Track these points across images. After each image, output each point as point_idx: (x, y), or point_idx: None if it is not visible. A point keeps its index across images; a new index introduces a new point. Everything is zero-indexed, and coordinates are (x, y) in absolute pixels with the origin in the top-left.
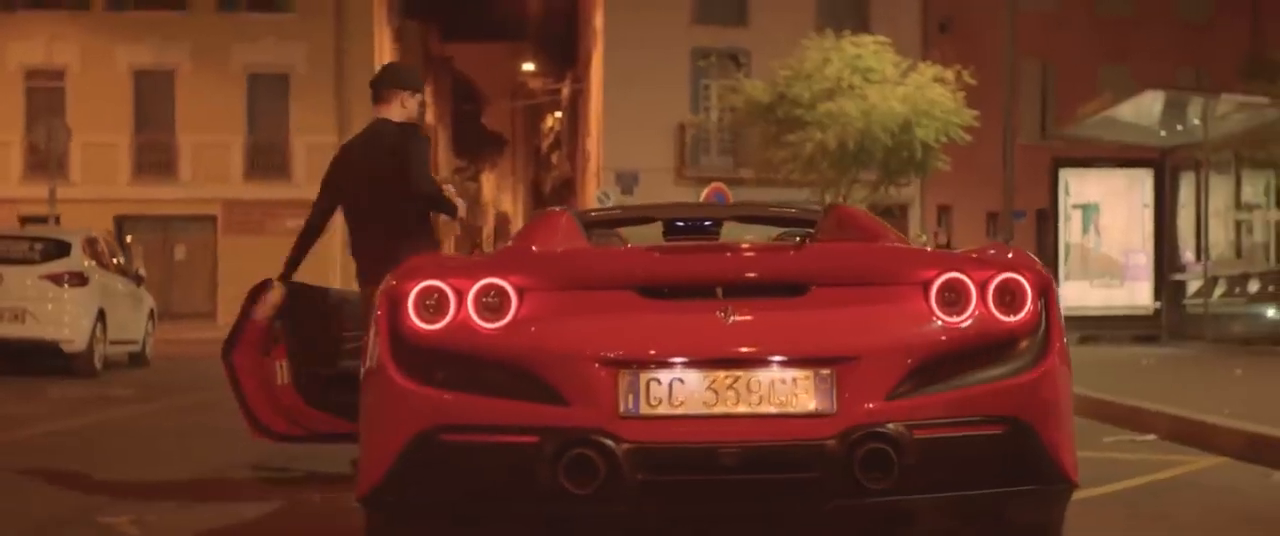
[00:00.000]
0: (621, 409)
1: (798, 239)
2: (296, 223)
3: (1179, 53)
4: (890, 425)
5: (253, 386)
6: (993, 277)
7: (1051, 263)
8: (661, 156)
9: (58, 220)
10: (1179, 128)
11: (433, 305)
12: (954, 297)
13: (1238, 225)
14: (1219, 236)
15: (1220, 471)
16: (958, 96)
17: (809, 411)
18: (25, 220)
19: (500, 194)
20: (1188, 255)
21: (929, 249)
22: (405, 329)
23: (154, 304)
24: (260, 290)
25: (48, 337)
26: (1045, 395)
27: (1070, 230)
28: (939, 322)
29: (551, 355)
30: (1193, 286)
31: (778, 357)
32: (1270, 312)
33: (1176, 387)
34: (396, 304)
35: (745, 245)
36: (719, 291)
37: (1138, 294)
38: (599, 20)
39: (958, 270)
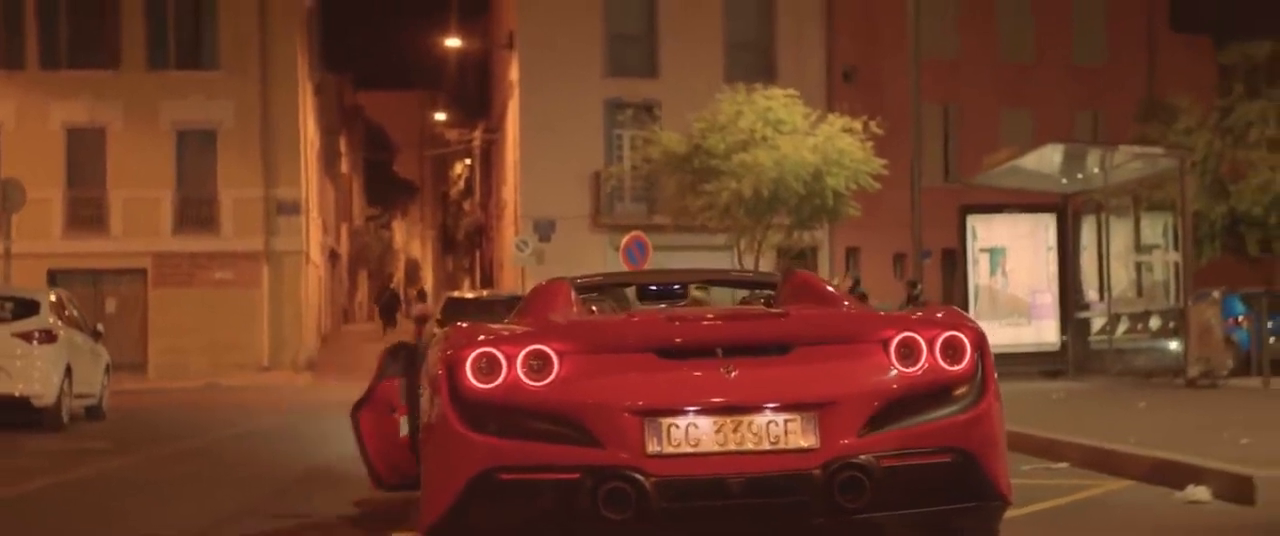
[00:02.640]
0: (648, 449)
1: (762, 301)
2: (224, 274)
3: (1077, 96)
4: (862, 456)
5: (375, 443)
6: (939, 335)
7: (962, 303)
8: (577, 204)
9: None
10: (1079, 175)
11: (486, 367)
12: (909, 352)
13: (1138, 266)
14: (1120, 276)
15: (1128, 492)
16: (866, 146)
17: (798, 447)
18: None
19: (411, 240)
20: (1092, 294)
21: (842, 291)
22: (464, 387)
23: (109, 358)
24: (397, 351)
25: (19, 393)
26: (984, 429)
27: (979, 272)
28: (897, 372)
29: (589, 407)
30: (1097, 323)
31: (771, 404)
32: (1170, 347)
33: (1085, 419)
34: (455, 367)
35: (737, 313)
36: (720, 351)
37: (1044, 331)
38: (514, 72)
39: (911, 330)
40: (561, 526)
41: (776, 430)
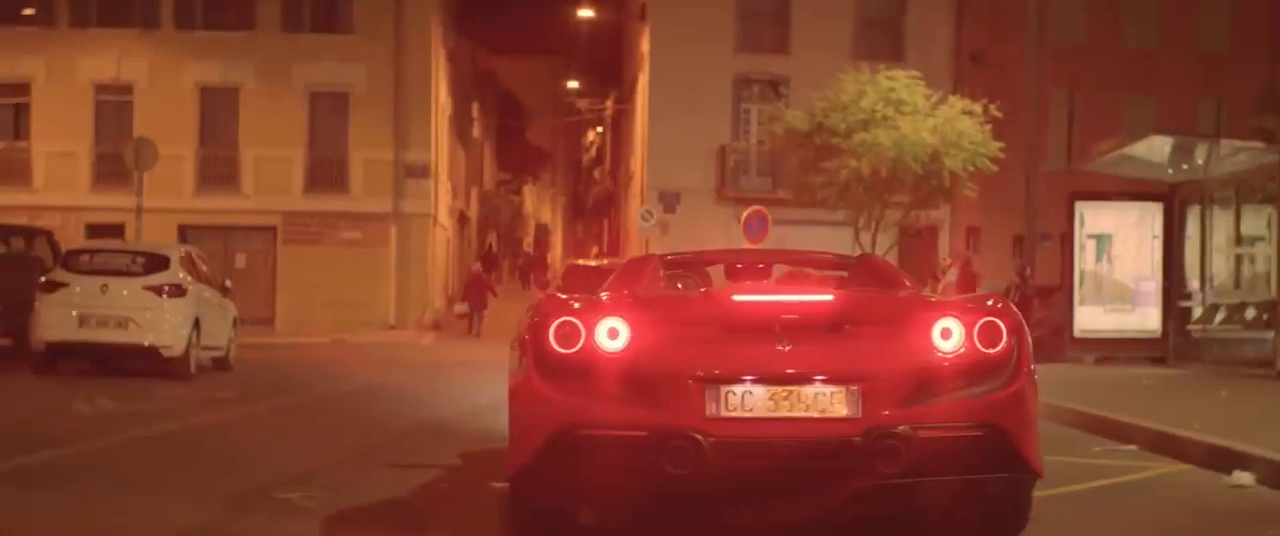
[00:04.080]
0: (708, 412)
1: (834, 282)
2: (353, 234)
3: (1200, 84)
4: (900, 427)
5: None
6: (977, 319)
7: (1068, 288)
8: (703, 177)
9: (125, 230)
10: (1186, 166)
11: (567, 335)
12: (949, 334)
13: (1238, 257)
14: (1220, 267)
15: (1182, 475)
16: (985, 129)
17: (842, 416)
18: (93, 228)
19: (541, 206)
20: (1193, 283)
21: (947, 272)
22: (547, 352)
23: (237, 313)
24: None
25: (149, 343)
26: (1015, 407)
27: (1085, 258)
28: (937, 353)
29: (656, 373)
30: (1196, 313)
31: (819, 376)
32: (1265, 339)
33: (1163, 406)
34: (540, 333)
35: (796, 293)
36: (777, 327)
37: (1148, 319)
38: (645, 45)
39: (952, 314)
40: (629, 478)
41: (823, 400)
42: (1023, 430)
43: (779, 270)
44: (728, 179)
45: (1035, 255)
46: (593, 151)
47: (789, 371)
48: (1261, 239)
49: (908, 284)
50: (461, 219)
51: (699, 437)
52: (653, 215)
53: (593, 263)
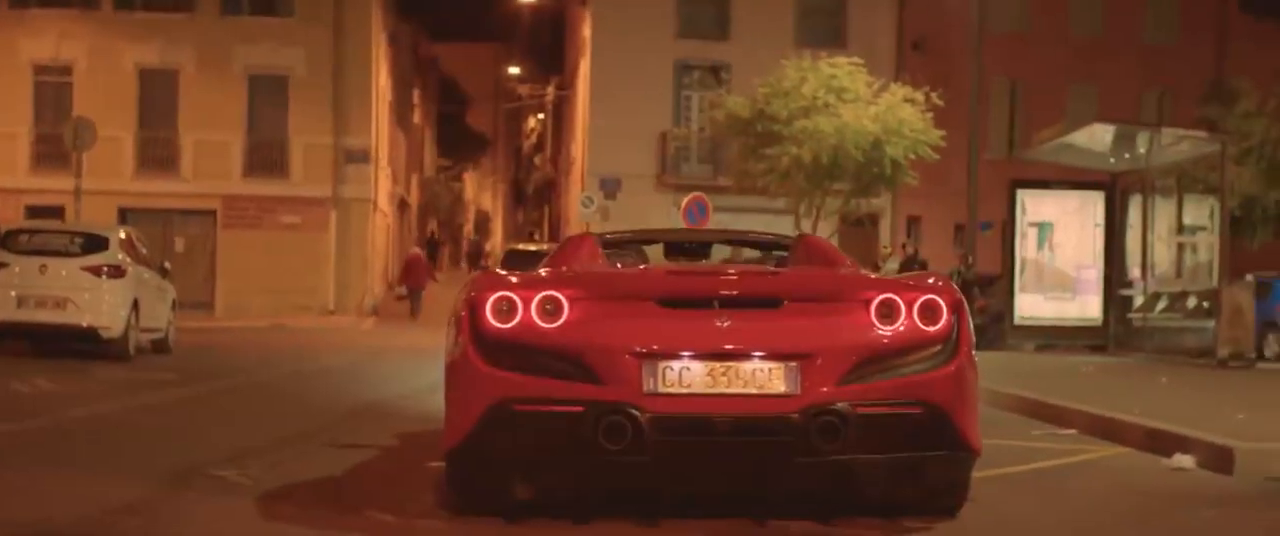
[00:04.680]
0: (645, 388)
1: (775, 261)
2: (292, 218)
3: (1144, 74)
4: (839, 404)
5: None
6: (918, 297)
7: (1008, 275)
8: (643, 164)
9: (63, 212)
10: (1128, 155)
11: (504, 309)
12: (888, 312)
13: (1180, 247)
14: (1163, 256)
15: (1121, 458)
16: (927, 117)
17: (780, 392)
18: (32, 210)
19: (481, 193)
20: (1135, 272)
21: (892, 261)
22: (483, 327)
23: (176, 295)
24: None
25: (87, 324)
26: (954, 385)
27: (1026, 246)
28: (877, 330)
29: (594, 348)
30: (1137, 301)
31: (758, 353)
32: (1206, 327)
33: (1102, 392)
34: (476, 308)
35: (735, 269)
36: (716, 303)
37: (1088, 307)
38: (586, 30)
39: (892, 291)
40: (566, 454)
41: (762, 376)
42: (962, 408)
43: (718, 250)
44: (668, 165)
45: (977, 243)
46: (533, 138)
47: (727, 347)
48: (1203, 228)
49: (848, 263)
50: (402, 205)
51: (636, 413)
52: (593, 201)
53: (531, 247)
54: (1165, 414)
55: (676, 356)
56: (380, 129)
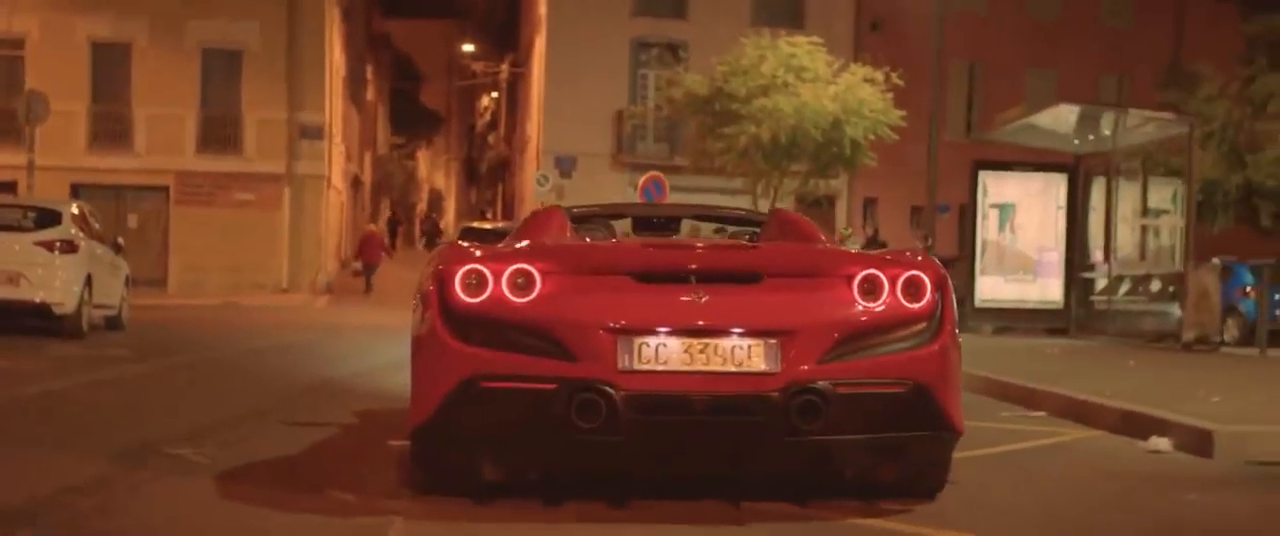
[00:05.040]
0: (620, 365)
1: (748, 237)
2: (246, 195)
3: (1103, 58)
4: (820, 382)
5: None
6: (901, 274)
7: (969, 257)
8: (599, 142)
9: (16, 187)
10: (1092, 137)
11: (474, 283)
12: (871, 288)
13: (1144, 229)
14: (1126, 239)
15: (1095, 440)
16: (886, 97)
17: (759, 370)
18: None
19: (434, 171)
20: (1097, 255)
21: (851, 242)
22: (452, 301)
23: (129, 271)
24: None
25: (40, 300)
26: (938, 364)
27: (987, 227)
28: (859, 307)
29: (567, 323)
30: (1100, 284)
31: (737, 329)
32: (1170, 311)
33: (1071, 374)
34: (445, 282)
35: (713, 243)
36: (693, 278)
37: (1049, 289)
38: (542, 8)
39: (874, 267)
40: (537, 432)
41: (741, 354)
42: (945, 388)
43: (688, 225)
44: (624, 144)
45: (935, 225)
46: (487, 116)
47: (705, 323)
48: (1166, 211)
49: (823, 239)
50: (355, 183)
51: (610, 390)
52: (548, 180)
53: (487, 225)
54: (1137, 396)
55: (653, 332)
56: (334, 105)
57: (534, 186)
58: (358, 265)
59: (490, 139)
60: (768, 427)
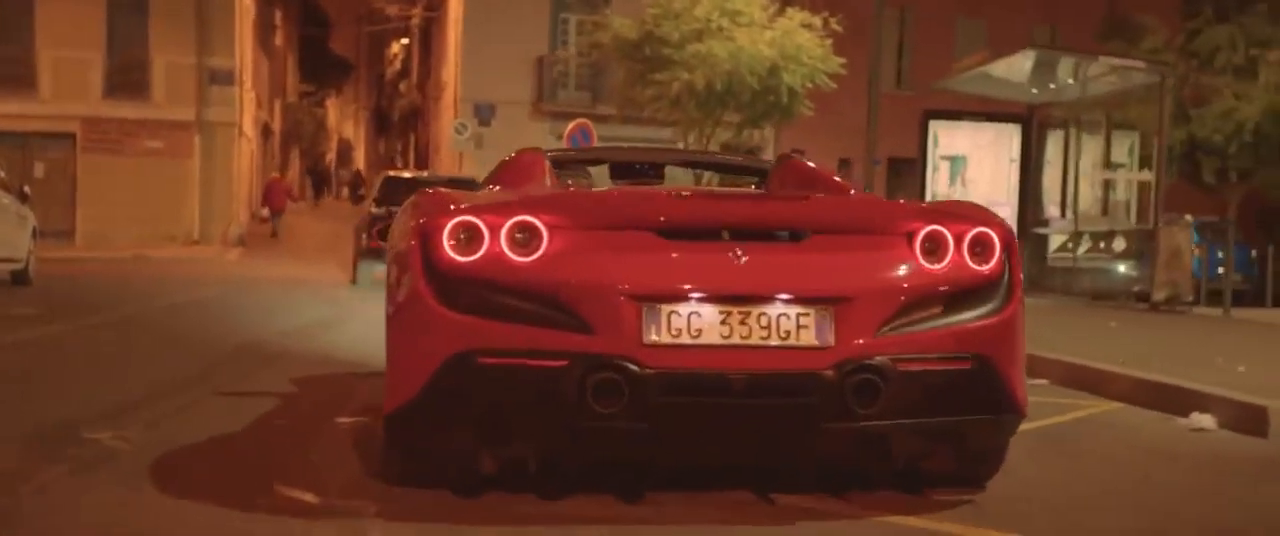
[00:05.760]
0: (645, 338)
1: (753, 186)
2: (155, 143)
3: (1034, 9)
4: (878, 358)
5: None
6: (968, 231)
7: None
8: (519, 89)
9: None
10: (1052, 86)
11: (466, 239)
12: (934, 247)
13: (1105, 184)
14: (1086, 193)
15: (1124, 414)
16: (825, 43)
17: (810, 344)
18: None
19: (344, 121)
20: (1052, 210)
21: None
22: (440, 261)
23: (36, 223)
24: None
25: None
26: (1007, 336)
27: (938, 180)
28: (920, 269)
29: (581, 288)
30: (1056, 241)
31: (784, 295)
32: (1133, 270)
33: (1056, 337)
34: (430, 237)
35: (748, 193)
36: (728, 234)
37: None
38: None
39: (938, 222)
40: (544, 418)
41: (788, 324)
42: (1013, 364)
43: (673, 174)
44: (545, 91)
45: (872, 180)
46: (397, 64)
47: (746, 288)
48: (1122, 165)
49: (848, 187)
50: (266, 132)
51: (634, 368)
52: (467, 128)
53: (409, 174)
54: (1151, 364)
55: (684, 298)
56: (244, 49)
57: (452, 135)
58: (265, 212)
59: (402, 87)
60: (818, 411)
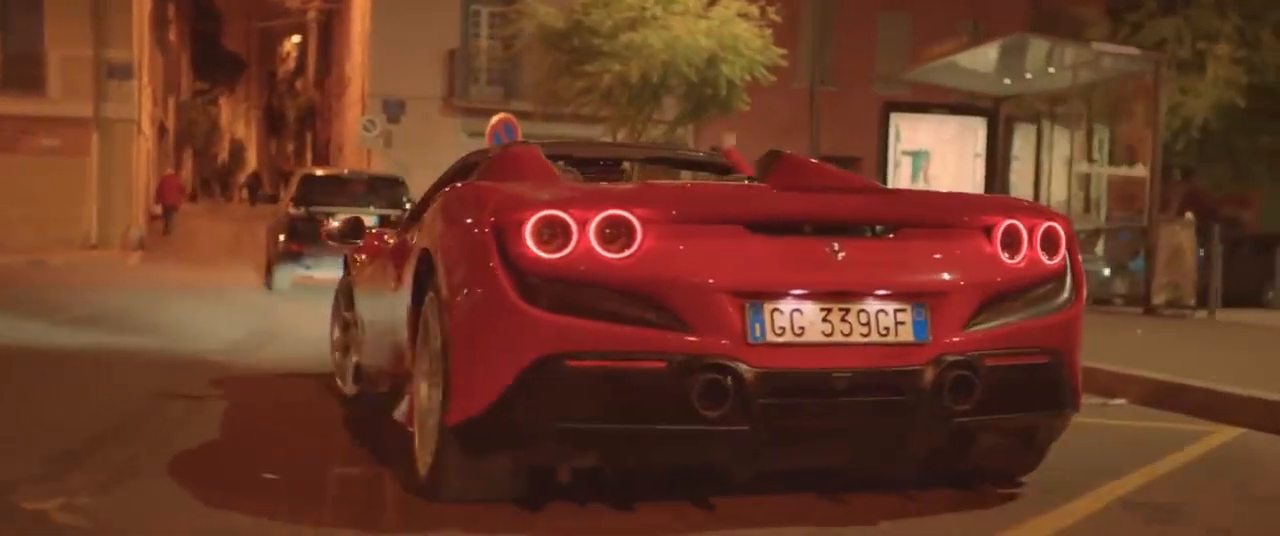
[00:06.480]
0: (750, 337)
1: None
2: (51, 141)
3: (959, 4)
4: (971, 354)
5: None
6: (1039, 224)
7: None
8: (428, 84)
9: None
10: (1030, 75)
11: (551, 234)
12: (1012, 241)
13: (1086, 179)
14: (1058, 190)
15: (1245, 441)
16: (765, 34)
17: (908, 341)
18: None
19: (235, 121)
20: None
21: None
22: (522, 256)
23: None
24: None
25: None
26: (1074, 331)
27: (899, 176)
28: (1002, 264)
29: (681, 285)
30: None
31: (881, 291)
32: (1104, 272)
33: (1111, 347)
34: (510, 231)
35: (830, 187)
36: (815, 229)
37: None
38: None
39: (1015, 217)
40: (638, 422)
41: (886, 320)
42: (1076, 360)
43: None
44: (457, 86)
45: None
46: (290, 62)
47: (846, 284)
48: (1094, 161)
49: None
50: (161, 130)
51: (742, 368)
52: (376, 125)
53: (324, 172)
54: (1240, 378)
55: (786, 296)
56: (142, 42)
57: (360, 132)
58: (158, 209)
59: (298, 85)
60: (915, 409)
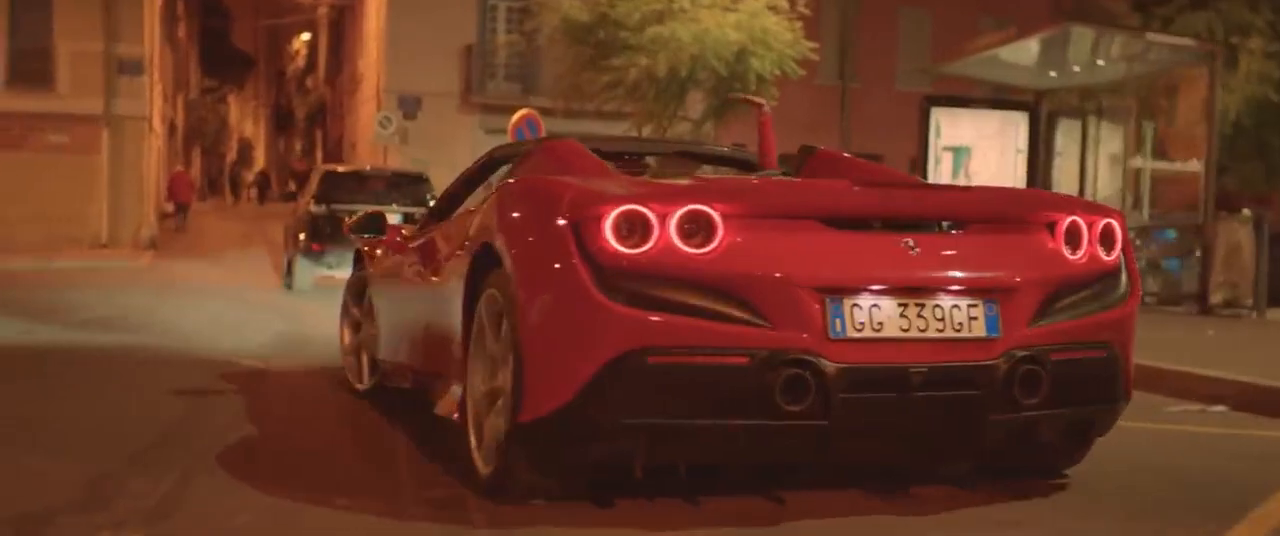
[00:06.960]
0: (831, 332)
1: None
2: (60, 138)
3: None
4: (1039, 348)
5: None
6: (1098, 221)
7: None
8: (445, 81)
9: None
10: (1076, 68)
11: (630, 229)
12: (1074, 237)
13: (1135, 175)
14: (1107, 187)
15: None
16: (795, 27)
17: (980, 336)
18: None
19: (243, 119)
20: None
21: None
22: (603, 251)
23: None
24: None
25: None
26: (1130, 326)
27: (940, 172)
28: (1065, 259)
29: (762, 281)
30: None
31: (955, 286)
32: (1181, 268)
33: (1194, 349)
34: (589, 225)
35: (900, 183)
36: (884, 224)
37: None
38: None
39: (1077, 213)
40: (722, 418)
41: (960, 315)
42: (1130, 354)
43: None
44: (474, 83)
45: None
46: (299, 60)
47: (922, 279)
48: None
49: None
50: (171, 128)
51: (821, 363)
52: (392, 122)
53: (346, 169)
54: None
55: (865, 291)
56: (154, 37)
57: (376, 129)
58: (170, 206)
59: (308, 82)
60: (987, 403)
